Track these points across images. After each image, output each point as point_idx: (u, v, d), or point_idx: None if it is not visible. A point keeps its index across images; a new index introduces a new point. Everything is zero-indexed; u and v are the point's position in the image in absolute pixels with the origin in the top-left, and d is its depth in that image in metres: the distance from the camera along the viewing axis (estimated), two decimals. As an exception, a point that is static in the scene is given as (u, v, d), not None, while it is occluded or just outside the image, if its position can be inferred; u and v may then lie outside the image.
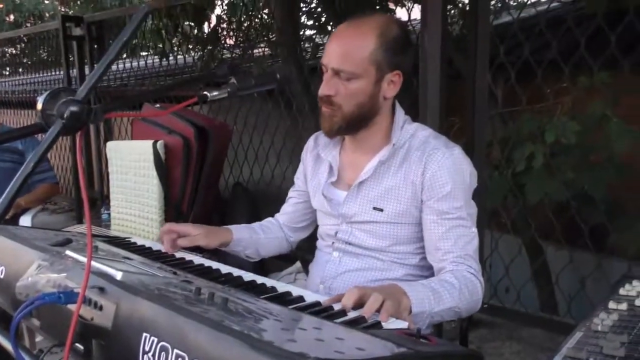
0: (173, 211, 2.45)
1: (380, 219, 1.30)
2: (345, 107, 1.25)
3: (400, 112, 1.34)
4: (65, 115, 0.79)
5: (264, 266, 2.44)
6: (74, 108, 0.79)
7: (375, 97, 1.26)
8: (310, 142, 1.50)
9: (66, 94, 0.81)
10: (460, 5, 4.50)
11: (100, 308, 0.88)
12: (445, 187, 1.25)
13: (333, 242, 1.39)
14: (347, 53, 1.22)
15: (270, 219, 1.61)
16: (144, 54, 4.51)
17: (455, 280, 1.21)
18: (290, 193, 1.57)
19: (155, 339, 0.77)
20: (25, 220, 2.80)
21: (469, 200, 1.29)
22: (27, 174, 0.78)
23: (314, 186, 1.44)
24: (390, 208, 1.29)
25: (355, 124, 1.28)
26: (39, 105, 0.81)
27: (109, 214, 2.63)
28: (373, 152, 1.32)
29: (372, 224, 1.31)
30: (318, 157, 1.45)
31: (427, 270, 1.34)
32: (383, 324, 0.96)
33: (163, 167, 2.37)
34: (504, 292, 2.38)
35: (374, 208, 1.30)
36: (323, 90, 1.25)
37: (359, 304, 1.02)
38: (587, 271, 2.11)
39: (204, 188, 2.51)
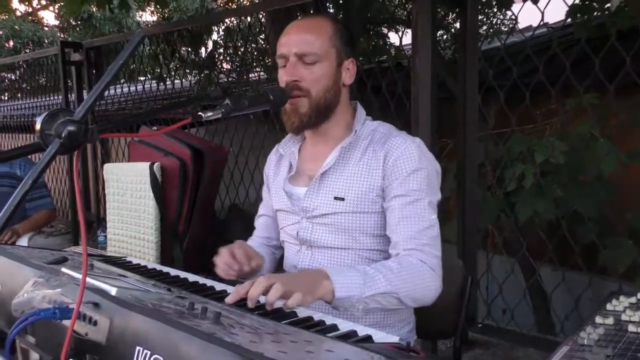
0: (169, 232, 2.46)
1: (341, 209, 1.28)
2: (314, 91, 1.27)
3: (361, 110, 1.38)
4: (63, 135, 0.81)
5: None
6: (71, 128, 0.81)
7: (338, 82, 1.30)
8: (272, 155, 1.51)
9: (64, 114, 0.84)
10: (452, 30, 4.60)
11: (95, 323, 0.89)
12: (405, 170, 1.25)
13: (298, 248, 1.37)
14: (309, 38, 1.27)
15: (251, 240, 1.54)
16: (142, 78, 4.57)
17: (396, 265, 1.18)
18: (261, 210, 1.53)
19: (148, 352, 0.78)
20: (21, 243, 2.79)
21: (431, 186, 1.28)
22: (25, 191, 0.80)
23: (275, 187, 1.43)
24: (352, 196, 1.28)
25: (322, 112, 1.30)
26: (38, 126, 0.83)
27: (105, 237, 2.64)
28: (335, 142, 1.33)
29: (333, 216, 1.29)
30: (280, 158, 1.46)
31: None
32: (374, 338, 0.97)
33: (159, 188, 2.39)
34: (499, 312, 2.38)
35: (335, 198, 1.29)
36: (288, 77, 1.26)
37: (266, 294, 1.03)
38: (580, 290, 2.13)
39: (200, 209, 2.53)
